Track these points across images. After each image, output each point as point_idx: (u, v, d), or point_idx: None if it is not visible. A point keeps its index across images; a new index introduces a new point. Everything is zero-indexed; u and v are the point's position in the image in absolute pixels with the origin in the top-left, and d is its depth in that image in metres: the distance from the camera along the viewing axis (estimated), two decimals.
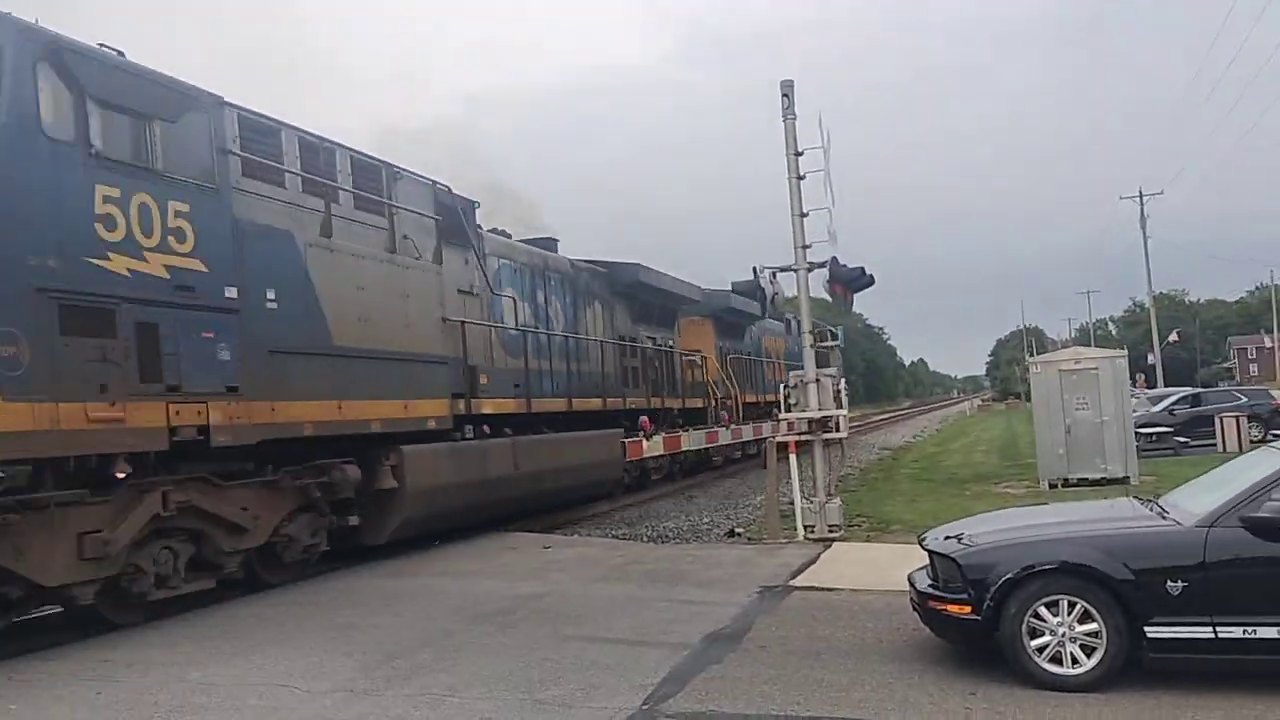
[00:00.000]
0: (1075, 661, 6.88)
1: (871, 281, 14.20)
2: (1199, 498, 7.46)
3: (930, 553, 7.76)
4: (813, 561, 12.19)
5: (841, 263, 13.96)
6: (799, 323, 15.99)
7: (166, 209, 9.61)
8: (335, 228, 11.90)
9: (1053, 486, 21.38)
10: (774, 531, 15.81)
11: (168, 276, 9.54)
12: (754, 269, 14.34)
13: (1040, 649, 6.95)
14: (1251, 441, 28.12)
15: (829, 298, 14.03)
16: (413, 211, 13.64)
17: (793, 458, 16.44)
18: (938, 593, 7.47)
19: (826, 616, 9.26)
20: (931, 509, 18.49)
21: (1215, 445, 28.35)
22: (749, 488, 26.73)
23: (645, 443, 20.03)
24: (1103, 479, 21.21)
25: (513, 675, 7.57)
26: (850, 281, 13.95)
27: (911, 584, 8.07)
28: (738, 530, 17.16)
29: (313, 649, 8.54)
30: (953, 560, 7.36)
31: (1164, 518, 7.32)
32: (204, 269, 9.97)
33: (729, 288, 19.47)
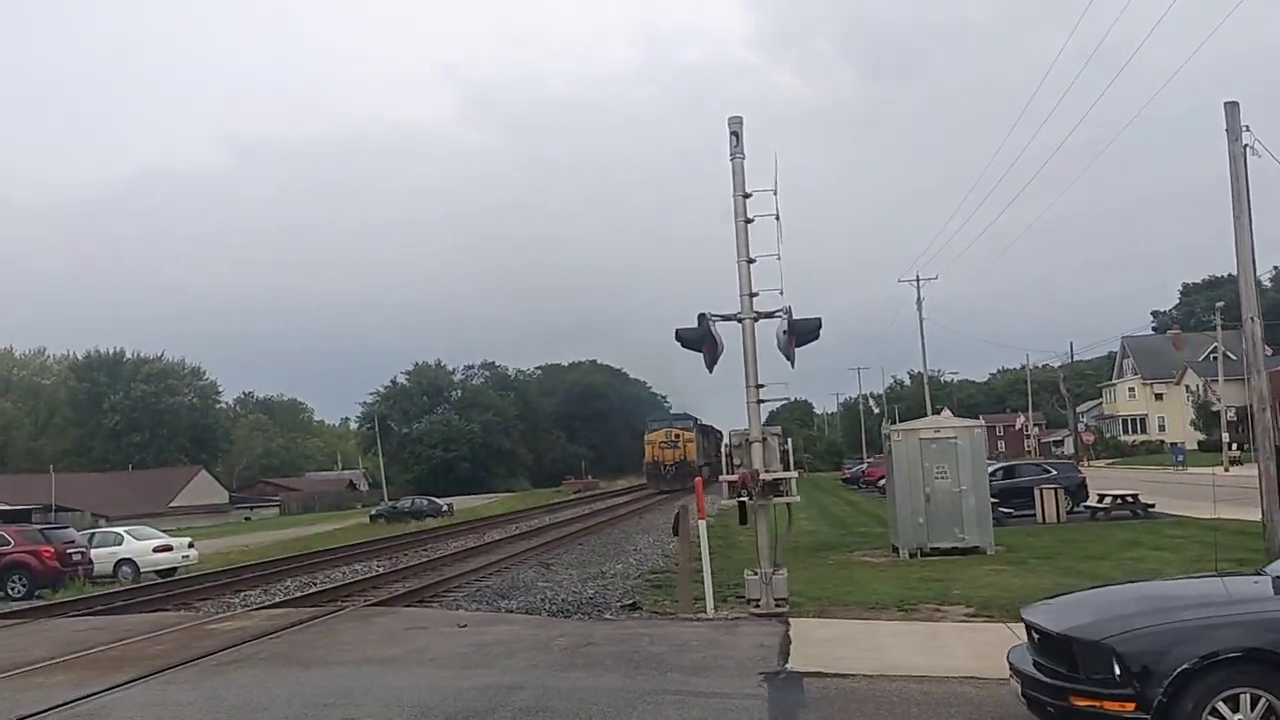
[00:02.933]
0: None
1: (818, 336, 13.29)
2: None
3: (1063, 638, 6.59)
4: (787, 641, 10.91)
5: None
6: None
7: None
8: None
9: (912, 556, 21.02)
10: (686, 604, 14.53)
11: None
12: (700, 316, 13.09)
13: None
14: (1068, 512, 29.24)
15: (784, 354, 12.98)
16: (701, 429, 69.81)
17: (702, 524, 15.26)
18: (1082, 686, 6.33)
19: (874, 711, 8.00)
20: (809, 578, 17.72)
21: (1034, 515, 28.99)
22: (600, 555, 25.45)
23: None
24: (955, 548, 21.02)
25: None
26: (804, 334, 12.97)
27: (1019, 672, 6.93)
28: (640, 604, 15.77)
29: None
30: (1105, 646, 6.26)
31: None
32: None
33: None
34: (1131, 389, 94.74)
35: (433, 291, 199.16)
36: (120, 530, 30.51)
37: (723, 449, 13.72)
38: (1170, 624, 6.33)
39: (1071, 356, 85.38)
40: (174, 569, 28.27)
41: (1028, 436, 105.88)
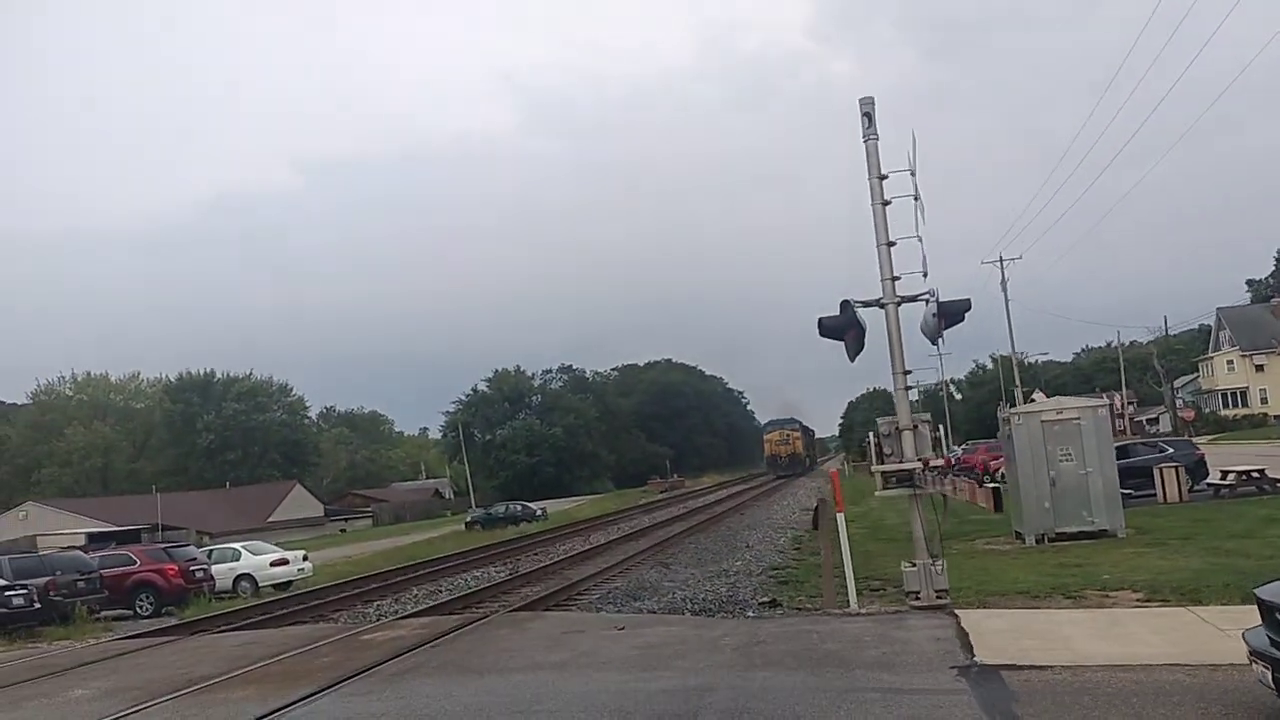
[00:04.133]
0: None
1: (963, 319, 12.88)
2: None
3: None
4: (963, 634, 10.55)
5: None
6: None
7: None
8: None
9: (1039, 541, 20.36)
10: (830, 599, 14.25)
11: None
12: (843, 303, 12.75)
13: None
14: (1189, 491, 28.19)
15: (930, 337, 12.60)
16: (803, 429, 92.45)
17: (841, 518, 14.91)
18: None
19: (1091, 704, 7.62)
20: None
21: (1154, 495, 28.03)
22: (714, 553, 25.24)
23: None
24: (1082, 532, 20.31)
25: None
26: (953, 316, 12.56)
27: (1265, 657, 6.52)
28: (779, 601, 15.51)
29: None
30: None
31: None
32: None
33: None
34: (1230, 361, 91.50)
35: (504, 299, 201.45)
36: (237, 546, 31.07)
37: (871, 438, 13.37)
38: None
39: (1166, 331, 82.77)
40: (289, 582, 28.69)
41: (1121, 415, 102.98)
